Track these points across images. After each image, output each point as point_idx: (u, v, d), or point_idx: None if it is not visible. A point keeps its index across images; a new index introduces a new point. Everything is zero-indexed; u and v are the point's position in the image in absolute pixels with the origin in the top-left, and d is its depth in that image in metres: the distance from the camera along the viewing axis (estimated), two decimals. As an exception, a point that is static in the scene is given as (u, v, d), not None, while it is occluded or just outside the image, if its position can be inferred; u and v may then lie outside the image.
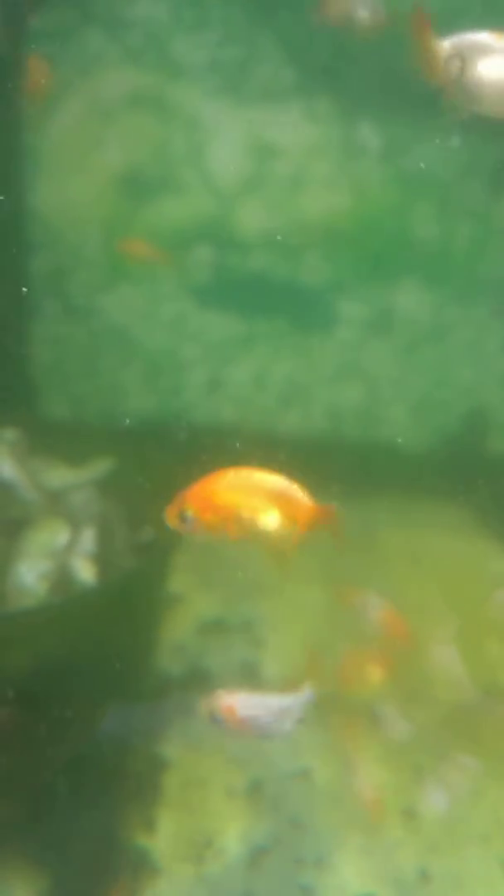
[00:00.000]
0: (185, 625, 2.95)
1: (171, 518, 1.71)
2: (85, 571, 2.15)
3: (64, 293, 4.42)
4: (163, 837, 2.13)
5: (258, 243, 4.37)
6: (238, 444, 4.41)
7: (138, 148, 4.26)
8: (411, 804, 2.29)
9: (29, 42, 4.04)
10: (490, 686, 2.78)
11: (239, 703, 1.84)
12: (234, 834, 2.16)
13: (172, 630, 2.90)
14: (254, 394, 4.62)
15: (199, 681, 2.67)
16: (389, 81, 4.12)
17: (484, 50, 1.71)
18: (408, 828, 2.21)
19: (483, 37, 1.75)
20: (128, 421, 4.39)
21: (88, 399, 4.57)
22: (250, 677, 2.74)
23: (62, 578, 2.13)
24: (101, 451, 2.95)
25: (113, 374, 4.54)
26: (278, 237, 4.37)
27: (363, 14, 3.28)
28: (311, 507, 1.76)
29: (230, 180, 4.33)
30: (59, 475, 2.42)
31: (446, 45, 1.79)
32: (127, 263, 4.34)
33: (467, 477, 4.33)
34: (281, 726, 1.85)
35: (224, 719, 1.82)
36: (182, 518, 1.71)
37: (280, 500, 1.75)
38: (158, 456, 2.76)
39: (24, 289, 4.16)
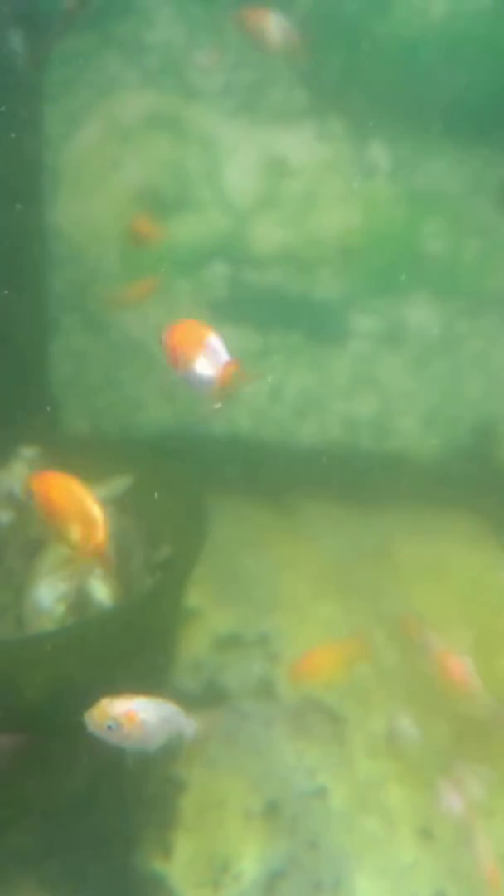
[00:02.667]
0: (202, 641, 2.85)
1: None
2: (101, 592, 2.05)
3: (83, 308, 4.36)
4: (180, 862, 2.03)
5: (273, 259, 4.29)
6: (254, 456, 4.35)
7: (156, 167, 4.19)
8: (427, 824, 2.18)
9: (51, 66, 3.99)
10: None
11: (138, 707, 1.71)
12: (251, 857, 2.06)
13: (189, 646, 2.81)
14: (269, 406, 4.53)
15: (217, 698, 2.57)
16: (398, 102, 4.03)
17: None
18: (424, 848, 2.11)
19: None
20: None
21: (108, 412, 4.50)
22: (266, 693, 2.63)
23: (79, 600, 2.04)
24: (119, 467, 2.86)
25: (132, 387, 4.47)
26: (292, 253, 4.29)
27: (276, 36, 3.24)
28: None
29: (245, 198, 4.25)
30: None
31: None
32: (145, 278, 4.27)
33: (479, 487, 4.22)
34: (161, 738, 1.73)
35: (121, 726, 1.69)
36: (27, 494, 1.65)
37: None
38: (176, 471, 2.67)
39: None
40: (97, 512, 1.74)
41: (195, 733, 1.78)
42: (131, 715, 1.71)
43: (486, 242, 4.32)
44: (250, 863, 2.07)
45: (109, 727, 1.69)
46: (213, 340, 1.73)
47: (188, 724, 1.79)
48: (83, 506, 1.73)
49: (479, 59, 3.97)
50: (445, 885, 2.04)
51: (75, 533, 1.70)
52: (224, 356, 1.73)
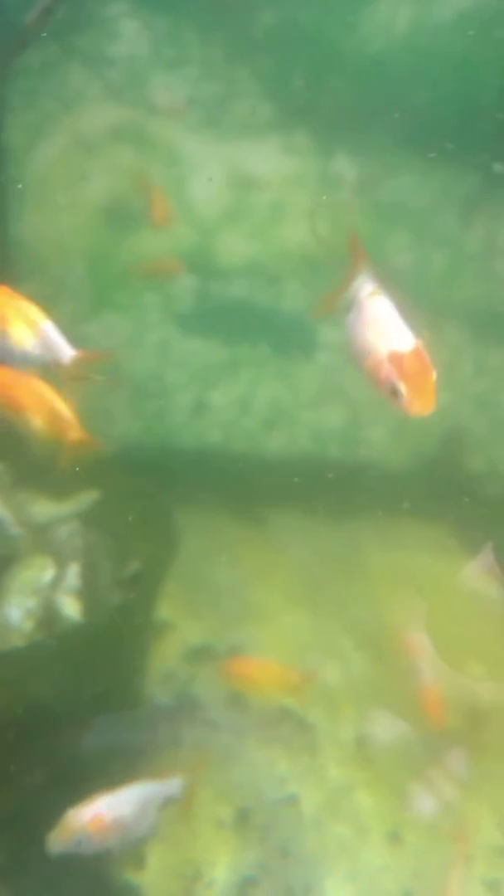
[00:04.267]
0: (174, 652, 2.89)
1: None
2: (70, 608, 2.09)
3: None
4: (152, 872, 2.07)
5: (240, 272, 4.35)
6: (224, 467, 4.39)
7: (121, 180, 4.23)
8: (396, 828, 2.24)
9: (14, 78, 4.02)
10: (470, 706, 2.74)
11: (105, 807, 1.67)
12: (222, 866, 2.10)
13: (160, 658, 2.84)
14: (238, 417, 4.58)
15: (188, 709, 2.61)
16: (363, 116, 4.12)
17: None
18: (393, 851, 2.16)
19: None
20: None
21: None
22: (238, 704, 2.68)
23: (47, 616, 2.07)
24: (87, 481, 2.89)
25: (100, 401, 4.48)
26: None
27: None
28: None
29: (211, 211, 4.31)
30: (43, 509, 2.36)
31: None
32: (112, 292, 4.31)
33: (447, 496, 4.30)
34: (146, 821, 1.70)
35: (91, 836, 1.63)
36: None
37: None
38: (143, 485, 2.71)
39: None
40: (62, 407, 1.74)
41: (183, 790, 1.76)
42: (98, 820, 1.66)
43: (452, 255, 4.43)
44: (222, 871, 2.11)
45: (80, 842, 1.64)
46: (48, 327, 1.74)
47: (172, 787, 1.77)
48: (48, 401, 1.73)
49: (442, 74, 4.08)
50: (413, 886, 2.10)
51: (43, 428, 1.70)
52: (63, 345, 1.74)
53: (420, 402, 1.50)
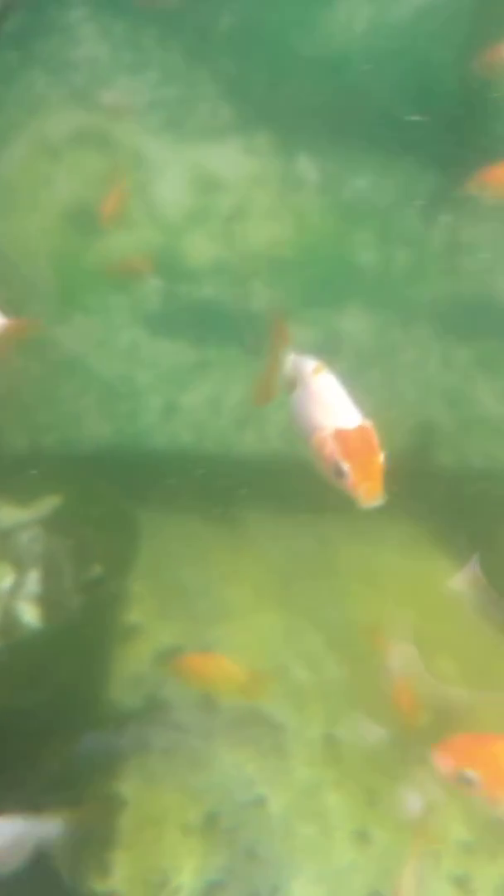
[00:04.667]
0: (144, 656, 2.87)
1: None
2: (29, 614, 2.07)
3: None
4: (118, 881, 2.06)
5: (206, 273, 4.34)
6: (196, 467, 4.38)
7: (86, 184, 4.22)
8: (363, 827, 2.24)
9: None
10: (441, 705, 2.75)
11: None
12: (189, 871, 2.10)
13: (130, 662, 2.83)
14: (209, 418, 4.58)
15: (157, 712, 2.60)
16: (324, 115, 4.13)
17: None
18: (360, 851, 2.16)
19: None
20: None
21: (46, 429, 4.49)
22: (207, 706, 2.67)
23: (7, 622, 2.06)
24: (52, 485, 2.88)
25: (70, 404, 4.47)
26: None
27: None
28: None
29: (176, 213, 4.31)
30: (5, 514, 2.34)
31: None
32: (80, 294, 4.30)
33: (418, 493, 4.31)
34: (13, 858, 1.65)
35: None
36: None
37: None
38: (107, 489, 2.70)
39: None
40: None
41: (60, 835, 1.71)
42: None
43: (415, 253, 4.44)
44: (189, 876, 2.10)
45: None
46: None
47: (50, 828, 1.72)
48: None
49: (401, 73, 4.09)
50: (381, 884, 2.10)
51: None
52: None
53: (365, 486, 1.43)
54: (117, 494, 2.71)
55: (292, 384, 1.57)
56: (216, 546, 3.95)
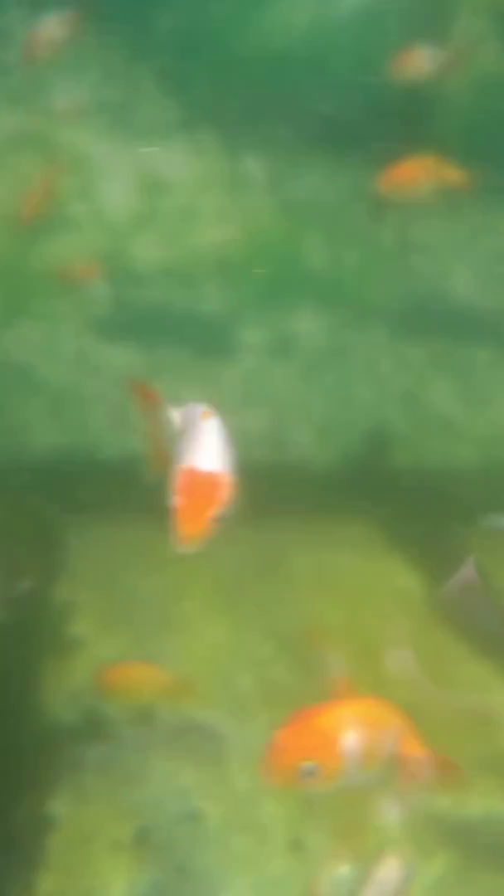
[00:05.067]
0: (84, 669, 2.81)
1: None
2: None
3: None
4: (41, 901, 2.00)
5: (155, 276, 4.30)
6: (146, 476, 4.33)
7: (27, 187, 4.16)
8: (299, 835, 2.19)
9: None
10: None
11: None
12: (117, 889, 2.04)
13: (69, 676, 2.77)
14: (161, 424, 4.52)
15: (94, 727, 2.54)
16: (269, 114, 4.11)
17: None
18: (294, 859, 2.12)
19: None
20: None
21: (-5, 439, 4.42)
22: (146, 719, 2.62)
23: None
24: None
25: (18, 412, 4.40)
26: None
27: None
28: None
29: (122, 216, 4.27)
30: None
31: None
32: (25, 300, 4.25)
33: (372, 494, 4.30)
34: None
35: None
36: None
37: None
38: (40, 501, 2.64)
39: None
40: None
41: None
42: None
43: (366, 253, 4.43)
44: (116, 894, 2.05)
45: None
46: None
47: None
48: None
49: (344, 70, 4.08)
50: None
51: None
52: None
53: (185, 528, 1.39)
54: (52, 506, 2.65)
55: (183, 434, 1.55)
56: (167, 554, 3.88)
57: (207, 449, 1.48)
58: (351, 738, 1.55)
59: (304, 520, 4.08)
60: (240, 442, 4.83)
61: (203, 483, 1.42)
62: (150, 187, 4.25)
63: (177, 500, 1.37)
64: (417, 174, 3.23)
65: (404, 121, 4.17)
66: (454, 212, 4.43)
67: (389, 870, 1.87)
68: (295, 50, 4.07)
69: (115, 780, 2.19)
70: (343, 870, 1.93)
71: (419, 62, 3.00)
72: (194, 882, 2.06)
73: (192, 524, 1.37)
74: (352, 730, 1.55)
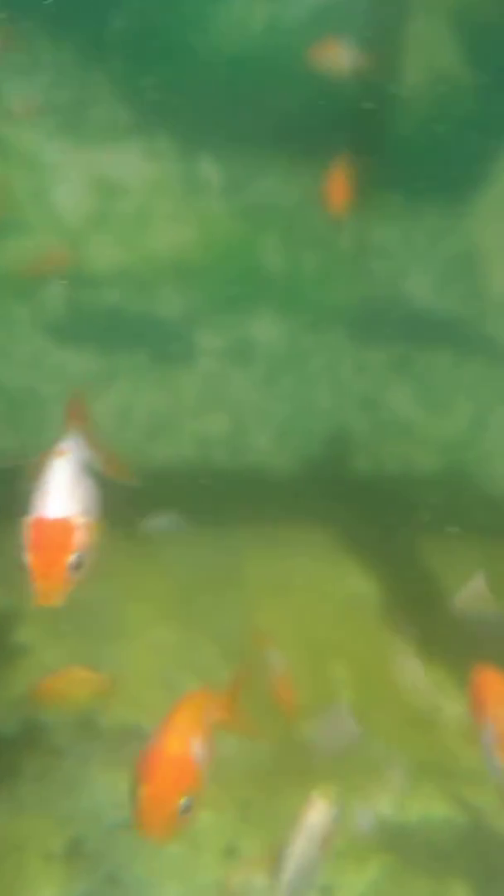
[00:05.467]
0: (26, 678, 2.77)
1: None
2: None
3: None
4: (-36, 915, 1.97)
5: (110, 280, 4.28)
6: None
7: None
8: (232, 842, 2.17)
9: None
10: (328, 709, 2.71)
11: None
12: (45, 901, 2.01)
13: (9, 685, 2.73)
14: (119, 428, 4.50)
15: (34, 737, 2.51)
16: (225, 117, 4.10)
17: None
18: (226, 866, 2.10)
19: None
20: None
21: None
22: (87, 727, 2.59)
23: None
24: None
25: (-28, 418, 4.37)
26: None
27: None
28: None
29: (76, 219, 4.24)
30: None
31: None
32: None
33: (331, 499, 4.30)
34: None
35: None
36: None
37: None
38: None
39: None
40: None
41: None
42: None
43: (323, 256, 4.43)
44: (44, 908, 2.02)
45: None
46: None
47: None
48: None
49: (300, 72, 4.08)
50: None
51: None
52: None
53: (43, 584, 1.31)
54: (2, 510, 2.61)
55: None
56: (121, 560, 3.86)
57: (56, 493, 1.39)
58: (198, 748, 1.51)
59: (260, 524, 4.07)
60: (198, 447, 4.80)
61: (53, 532, 1.33)
62: (105, 190, 4.23)
63: (27, 556, 1.29)
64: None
65: (361, 122, 4.18)
66: (412, 214, 4.45)
67: (318, 812, 1.85)
68: (250, 50, 4.08)
69: (52, 790, 2.16)
70: (258, 876, 1.91)
71: (335, 56, 3.00)
72: (124, 891, 2.03)
73: (48, 578, 1.30)
74: (195, 739, 1.51)
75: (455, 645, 3.17)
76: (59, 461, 1.47)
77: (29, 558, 1.31)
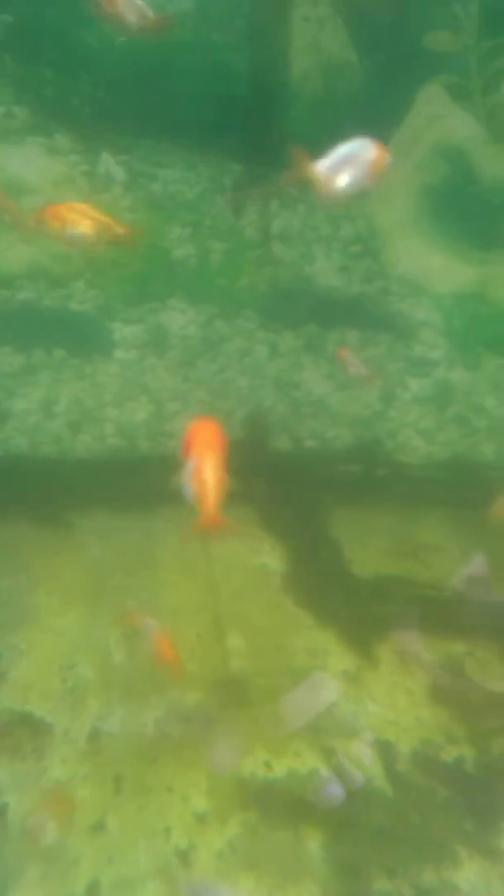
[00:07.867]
0: None
1: None
2: None
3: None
4: None
5: (23, 277, 4.21)
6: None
7: None
8: (102, 817, 2.13)
9: None
10: (222, 679, 2.68)
11: None
12: None
13: None
14: (42, 421, 4.44)
15: None
16: (122, 111, 4.03)
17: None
18: (91, 842, 2.06)
19: None
20: None
21: None
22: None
23: None
24: None
25: None
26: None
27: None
28: None
29: (-17, 218, 4.15)
30: None
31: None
32: None
33: (252, 478, 4.25)
34: None
35: None
36: None
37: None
38: None
39: None
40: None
41: None
42: None
43: (229, 245, 4.38)
44: None
45: None
46: None
47: None
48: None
49: (191, 63, 4.02)
50: (102, 873, 2.00)
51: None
52: None
53: None
54: None
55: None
56: (40, 550, 3.81)
57: None
58: None
59: (179, 508, 4.02)
60: (120, 435, 4.70)
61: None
62: (10, 189, 4.15)
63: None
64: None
65: (256, 108, 4.12)
66: (313, 201, 4.39)
67: (320, 681, 1.85)
68: (141, 44, 4.00)
69: None
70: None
71: (123, 8, 2.91)
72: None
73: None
74: None
75: (347, 611, 3.15)
76: None
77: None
